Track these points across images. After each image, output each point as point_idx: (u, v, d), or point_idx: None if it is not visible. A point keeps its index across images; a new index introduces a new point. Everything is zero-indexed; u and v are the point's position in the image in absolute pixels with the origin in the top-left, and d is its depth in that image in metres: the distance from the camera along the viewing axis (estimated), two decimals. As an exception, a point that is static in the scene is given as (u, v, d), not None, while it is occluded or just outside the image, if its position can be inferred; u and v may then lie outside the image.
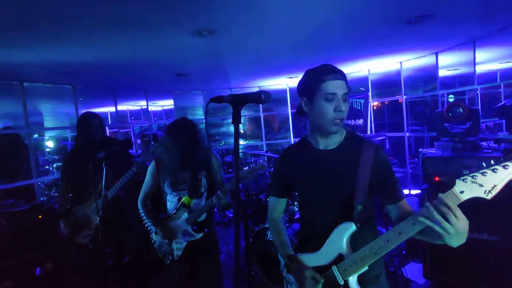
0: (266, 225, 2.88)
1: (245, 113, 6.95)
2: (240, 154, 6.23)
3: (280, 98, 6.22)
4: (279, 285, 2.74)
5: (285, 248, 1.40)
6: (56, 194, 4.51)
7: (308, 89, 1.23)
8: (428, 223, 1.00)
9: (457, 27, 2.95)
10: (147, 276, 2.88)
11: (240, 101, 0.97)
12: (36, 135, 8.35)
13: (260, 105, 5.87)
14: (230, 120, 0.94)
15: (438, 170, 2.68)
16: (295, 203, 3.21)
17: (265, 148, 5.89)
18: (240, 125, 0.98)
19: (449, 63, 4.65)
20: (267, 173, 4.66)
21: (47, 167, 6.07)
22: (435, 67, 4.10)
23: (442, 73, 4.85)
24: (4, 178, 3.23)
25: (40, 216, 2.77)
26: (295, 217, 3.10)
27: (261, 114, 5.91)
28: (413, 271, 3.01)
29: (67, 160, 2.63)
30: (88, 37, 2.32)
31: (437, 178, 2.68)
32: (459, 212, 0.97)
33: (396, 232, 1.09)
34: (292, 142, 5.81)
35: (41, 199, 3.74)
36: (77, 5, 1.78)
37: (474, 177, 0.97)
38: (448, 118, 2.84)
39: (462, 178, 0.99)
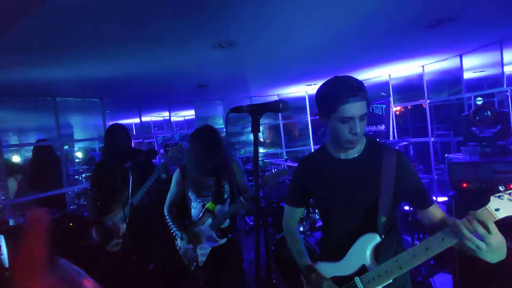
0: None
1: (264, 121, 7.00)
2: (260, 162, 6.27)
3: (299, 106, 6.22)
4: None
5: (303, 258, 1.39)
6: (85, 202, 4.72)
7: (324, 107, 1.19)
8: (460, 241, 0.97)
9: (481, 29, 2.86)
10: (172, 283, 2.94)
11: (258, 110, 0.99)
12: (66, 147, 8.79)
13: (280, 113, 5.89)
14: (250, 129, 0.97)
15: (466, 176, 2.57)
16: (316, 210, 3.18)
17: (285, 156, 5.88)
18: (259, 133, 1.00)
19: (474, 65, 4.48)
20: (287, 180, 4.65)
21: (76, 176, 6.36)
22: (460, 69, 3.96)
23: (467, 75, 4.68)
24: (37, 188, 3.43)
25: (71, 224, 2.90)
26: (317, 225, 3.07)
27: (281, 122, 5.93)
28: (442, 281, 2.88)
29: (96, 170, 2.76)
30: (117, 54, 2.46)
31: (464, 185, 2.57)
32: (494, 229, 0.93)
33: (423, 247, 1.06)
34: (312, 149, 5.78)
35: (72, 207, 3.92)
36: (108, 27, 1.91)
37: None
38: (475, 121, 2.73)
39: (497, 195, 0.95)
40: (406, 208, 3.29)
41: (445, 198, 4.12)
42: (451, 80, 5.54)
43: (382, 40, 2.92)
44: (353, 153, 1.28)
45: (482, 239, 0.94)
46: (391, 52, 3.45)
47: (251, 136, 0.98)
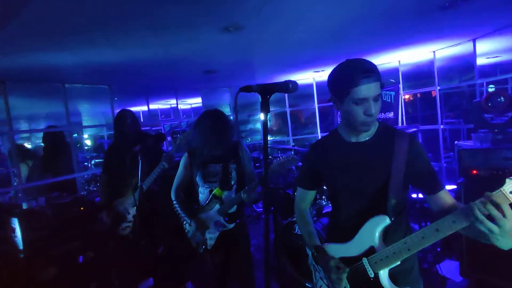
0: (294, 219, 2.89)
1: (271, 108, 6.93)
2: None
3: (306, 93, 6.16)
4: (307, 278, 2.75)
5: (312, 239, 1.41)
6: (94, 188, 4.82)
7: (338, 90, 1.18)
8: (472, 222, 0.95)
9: (496, 11, 2.76)
10: (181, 265, 3.00)
11: (268, 90, 0.99)
12: (75, 135, 8.91)
13: (286, 100, 5.86)
14: (257, 117, 0.97)
15: (476, 163, 2.54)
16: (323, 197, 3.19)
17: (291, 143, 5.87)
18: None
19: (488, 50, 4.35)
20: (294, 167, 4.66)
21: (86, 163, 6.47)
22: (473, 55, 3.86)
23: (480, 61, 4.55)
24: (49, 172, 3.50)
25: (82, 208, 2.97)
26: (323, 211, 3.09)
27: (288, 109, 5.89)
28: (449, 268, 2.89)
29: (107, 155, 2.81)
30: (125, 40, 2.46)
31: (474, 172, 2.54)
32: (509, 212, 0.91)
33: (433, 229, 1.05)
34: (319, 137, 5.73)
35: (82, 193, 4.01)
36: (116, 12, 1.90)
37: None
38: (487, 108, 2.68)
39: None
40: (414, 195, 3.28)
41: (454, 186, 4.09)
42: (463, 67, 5.41)
43: (392, 24, 2.85)
44: (365, 136, 1.28)
45: (495, 222, 0.92)
46: (401, 36, 3.37)
47: (258, 125, 0.98)
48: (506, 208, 0.92)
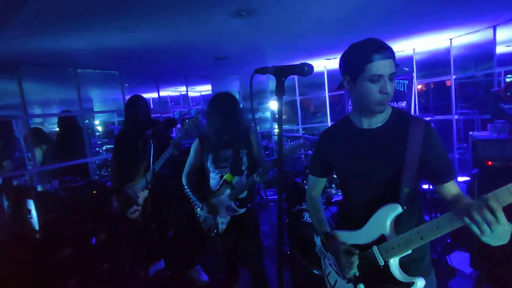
0: (303, 207, 2.90)
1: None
2: (275, 137, 6.25)
3: (316, 82, 6.07)
4: (314, 265, 2.78)
5: (322, 226, 1.40)
6: (106, 173, 4.90)
7: (352, 68, 1.15)
8: (473, 227, 0.94)
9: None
10: (192, 249, 3.06)
11: (283, 72, 0.97)
12: (87, 121, 9.03)
13: (297, 88, 5.79)
14: (266, 105, 0.96)
15: (492, 154, 2.48)
16: (333, 185, 3.18)
17: (301, 132, 5.84)
18: (275, 109, 0.98)
19: (509, 37, 4.19)
20: (303, 156, 4.64)
21: (97, 149, 6.58)
22: (492, 42, 3.71)
23: (500, 49, 4.39)
24: (63, 157, 3.57)
25: (94, 192, 3.03)
26: (333, 200, 3.08)
27: (298, 98, 5.84)
28: (459, 260, 2.87)
29: (118, 140, 2.85)
30: (136, 23, 2.44)
31: (489, 163, 2.49)
32: (502, 218, 0.90)
33: (448, 219, 1.03)
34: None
35: (94, 178, 4.09)
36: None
37: None
38: (506, 97, 2.59)
39: None
40: (425, 186, 3.24)
41: (467, 178, 4.03)
42: (480, 55, 5.23)
43: (408, 10, 2.75)
44: (377, 122, 1.24)
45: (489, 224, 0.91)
46: (417, 23, 3.26)
47: (267, 113, 0.97)
48: (499, 214, 0.89)
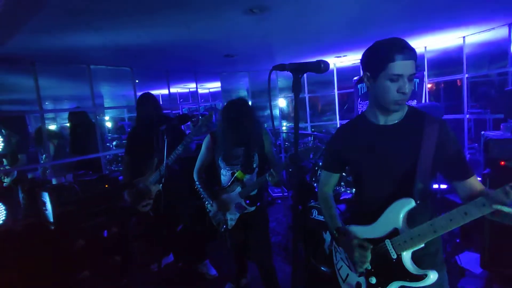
0: (311, 204, 2.91)
1: (288, 94, 6.89)
2: (284, 135, 6.26)
3: (324, 80, 6.04)
4: (321, 263, 2.79)
5: (334, 221, 1.41)
6: (116, 168, 4.98)
7: (374, 65, 1.17)
8: (505, 209, 0.94)
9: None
10: (202, 243, 3.10)
11: (300, 69, 0.99)
12: (97, 116, 9.16)
13: (305, 86, 5.78)
14: (275, 103, 0.97)
15: (505, 153, 2.45)
16: (342, 183, 3.18)
17: (310, 130, 5.84)
18: (284, 106, 1.00)
19: (523, 36, 4.11)
20: (311, 155, 4.64)
21: (108, 144, 6.68)
22: (507, 40, 3.65)
23: (514, 48, 4.30)
24: (76, 152, 3.65)
25: (106, 186, 3.09)
26: (341, 198, 3.09)
27: (306, 95, 5.83)
28: (468, 260, 2.86)
29: (131, 136, 2.90)
30: (149, 20, 2.47)
31: (502, 163, 2.46)
32: None
33: (462, 212, 1.04)
34: (338, 125, 5.68)
35: (106, 172, 4.16)
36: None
37: None
38: (520, 96, 2.56)
39: None
40: (435, 186, 3.22)
41: (478, 178, 3.99)
42: (494, 54, 5.14)
43: (420, 7, 2.72)
44: (394, 119, 1.26)
45: None
46: (429, 20, 3.22)
47: (276, 111, 0.99)
48: None
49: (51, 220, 2.70)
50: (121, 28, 2.60)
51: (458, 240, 3.14)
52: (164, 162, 2.25)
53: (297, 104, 0.96)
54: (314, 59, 0.99)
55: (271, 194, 5.19)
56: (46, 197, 2.71)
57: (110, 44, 3.05)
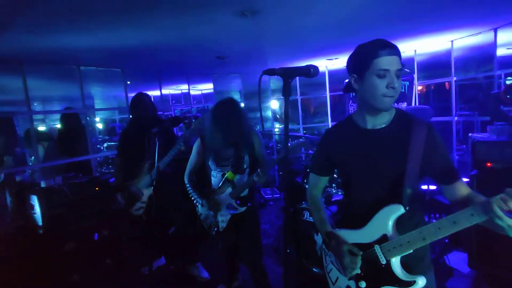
0: (302, 205, 2.92)
1: (281, 96, 6.92)
2: (276, 137, 6.28)
3: (317, 82, 6.08)
4: (313, 264, 2.80)
5: (324, 225, 1.41)
6: (107, 171, 4.92)
7: (359, 65, 1.18)
8: (497, 221, 0.93)
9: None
10: (193, 246, 3.09)
11: (290, 74, 1.00)
12: (88, 118, 9.03)
13: (298, 88, 5.82)
14: (267, 105, 0.98)
15: (491, 155, 2.50)
16: (333, 185, 3.21)
17: (302, 132, 5.87)
18: (276, 108, 1.01)
19: (509, 40, 4.22)
20: (303, 156, 4.67)
21: (98, 146, 6.59)
22: (493, 45, 3.74)
23: (500, 52, 4.42)
24: (65, 153, 3.59)
25: (96, 188, 3.05)
26: (333, 199, 3.11)
27: (299, 97, 5.86)
28: (457, 260, 2.90)
29: (123, 138, 2.86)
30: (140, 21, 2.46)
31: (489, 164, 2.51)
32: None
33: (451, 221, 1.04)
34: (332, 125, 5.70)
35: (96, 174, 4.11)
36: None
37: None
38: (506, 100, 2.63)
39: None
40: (424, 187, 3.27)
41: (466, 179, 4.06)
42: (481, 57, 5.25)
43: (409, 11, 2.77)
44: (381, 123, 1.26)
45: None
46: (419, 24, 3.28)
47: (268, 112, 0.99)
48: None
49: (40, 223, 2.65)
50: (111, 29, 2.58)
51: (446, 241, 3.19)
52: (155, 165, 2.24)
53: (287, 108, 0.96)
54: (306, 62, 1.00)
55: (264, 196, 5.19)
56: (35, 200, 2.66)
57: (99, 45, 3.02)
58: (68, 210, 2.75)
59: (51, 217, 2.64)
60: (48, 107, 8.53)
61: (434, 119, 5.07)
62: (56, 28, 2.44)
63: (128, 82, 4.73)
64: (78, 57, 3.42)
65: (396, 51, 1.15)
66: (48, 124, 8.19)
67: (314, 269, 2.80)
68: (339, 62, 5.19)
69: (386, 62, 1.13)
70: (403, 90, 4.73)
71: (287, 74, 0.98)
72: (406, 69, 4.96)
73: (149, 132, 2.22)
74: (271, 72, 0.98)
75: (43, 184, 2.91)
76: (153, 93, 7.14)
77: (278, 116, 8.96)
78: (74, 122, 3.75)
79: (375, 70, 1.14)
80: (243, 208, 2.16)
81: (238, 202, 2.14)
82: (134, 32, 2.72)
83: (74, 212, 2.79)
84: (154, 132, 2.18)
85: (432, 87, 7.69)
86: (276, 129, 6.58)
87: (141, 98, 2.67)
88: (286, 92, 0.97)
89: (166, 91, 7.44)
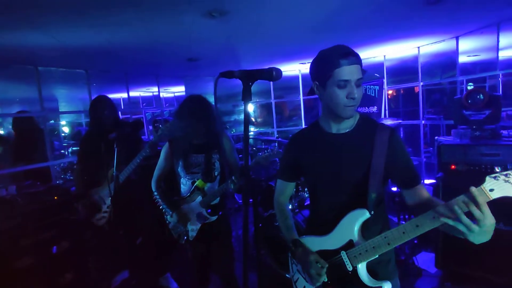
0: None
1: (256, 99, 6.89)
2: (251, 140, 6.23)
3: (292, 86, 6.11)
4: (287, 270, 2.76)
5: (290, 232, 1.39)
6: (71, 177, 4.63)
7: (321, 74, 1.17)
8: (450, 222, 0.96)
9: (480, 9, 2.80)
10: (161, 256, 2.95)
11: (250, 76, 0.93)
12: (52, 121, 8.53)
13: (272, 91, 5.80)
14: (242, 108, 0.91)
15: (455, 158, 2.60)
16: (306, 189, 3.19)
17: (276, 135, 5.86)
18: (250, 112, 0.95)
19: (470, 48, 4.44)
20: (277, 159, 4.64)
21: (63, 151, 6.22)
22: (455, 52, 3.92)
23: (462, 59, 4.65)
24: (21, 160, 3.32)
25: (56, 198, 2.84)
26: (305, 204, 3.09)
27: (273, 101, 5.85)
28: (425, 260, 2.98)
29: (83, 143, 2.68)
30: (102, 19, 2.31)
31: (453, 166, 2.60)
32: (487, 210, 0.92)
33: (414, 225, 1.06)
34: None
35: (57, 182, 3.84)
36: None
37: (508, 175, 0.92)
38: (467, 105, 2.73)
39: (493, 175, 0.94)
40: (394, 189, 3.33)
41: (433, 181, 4.21)
42: (445, 64, 5.51)
43: (378, 18, 2.84)
44: (345, 127, 1.26)
45: (474, 221, 0.93)
46: (388, 29, 3.37)
47: (243, 115, 0.92)
48: (485, 208, 0.92)
49: (-11, 237, 2.41)
50: (69, 26, 2.40)
51: (416, 241, 3.27)
52: (114, 174, 2.09)
53: (247, 113, 0.90)
54: (280, 65, 0.94)
55: (238, 201, 5.11)
56: (-18, 213, 2.42)
57: (60, 46, 2.82)
58: (22, 222, 2.53)
59: (1, 231, 2.41)
60: (6, 109, 7.96)
61: (404, 122, 5.24)
62: (8, 26, 2.24)
63: (94, 84, 4.50)
64: (35, 57, 3.18)
65: (357, 60, 1.14)
66: (6, 127, 7.63)
67: (287, 275, 2.76)
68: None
69: (346, 72, 1.12)
70: (373, 95, 4.85)
71: (247, 77, 0.92)
72: (376, 74, 5.09)
73: (107, 138, 2.07)
74: (229, 74, 0.91)
75: (-6, 194, 2.66)
76: (122, 95, 6.88)
77: (253, 119, 8.92)
78: (28, 126, 3.48)
79: (335, 81, 1.13)
80: (214, 217, 2.07)
81: (209, 211, 2.05)
82: (96, 31, 2.56)
83: (29, 224, 2.56)
84: (112, 137, 2.03)
85: (402, 92, 7.97)
86: (251, 133, 6.54)
87: (101, 100, 2.50)
88: (246, 96, 0.90)
89: (136, 93, 7.18)
